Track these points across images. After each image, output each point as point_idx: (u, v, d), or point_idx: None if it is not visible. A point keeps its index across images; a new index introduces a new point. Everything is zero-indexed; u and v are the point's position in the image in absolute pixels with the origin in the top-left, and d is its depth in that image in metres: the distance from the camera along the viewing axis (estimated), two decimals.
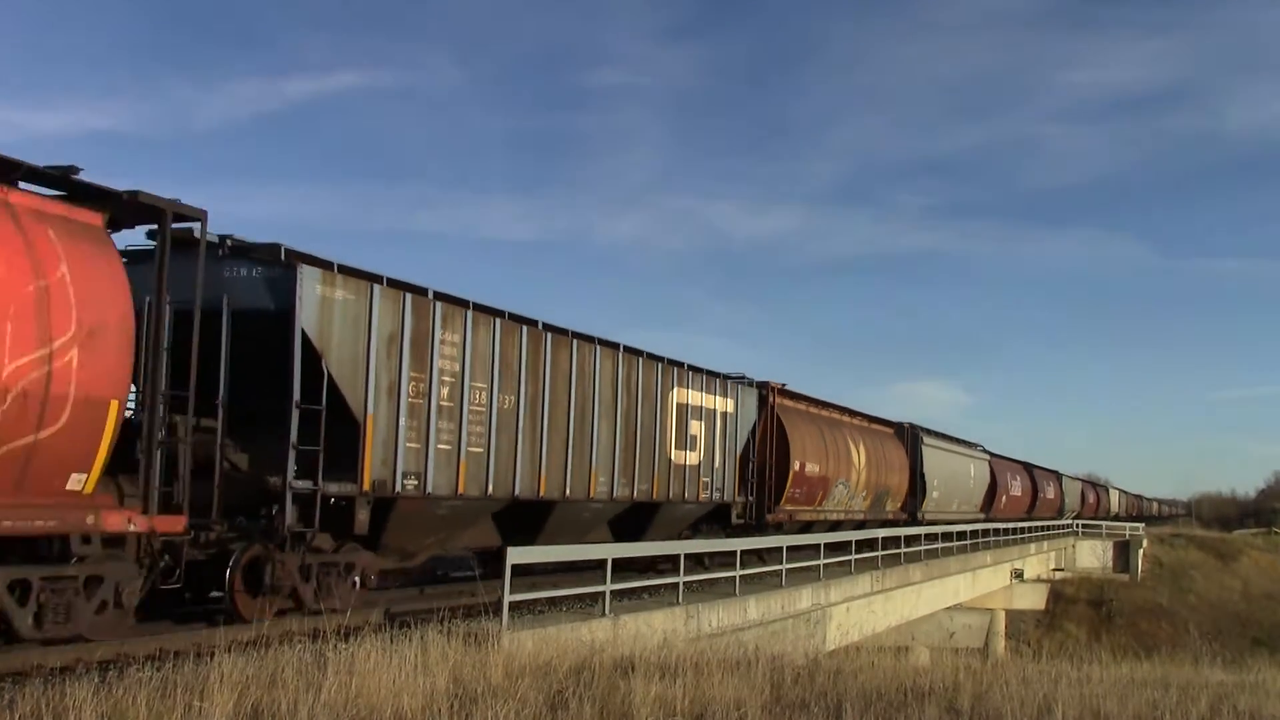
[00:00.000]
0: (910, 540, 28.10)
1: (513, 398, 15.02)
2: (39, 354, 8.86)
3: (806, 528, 25.23)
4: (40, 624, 9.12)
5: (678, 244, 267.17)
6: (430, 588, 16.19)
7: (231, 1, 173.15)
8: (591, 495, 16.92)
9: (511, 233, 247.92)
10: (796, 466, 24.23)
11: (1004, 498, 47.68)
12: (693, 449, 20.23)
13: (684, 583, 15.73)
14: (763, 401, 23.60)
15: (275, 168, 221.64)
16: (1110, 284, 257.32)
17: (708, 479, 20.90)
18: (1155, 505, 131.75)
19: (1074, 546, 56.74)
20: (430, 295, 13.65)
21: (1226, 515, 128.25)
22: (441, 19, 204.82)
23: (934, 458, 36.26)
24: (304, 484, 11.67)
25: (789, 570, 19.41)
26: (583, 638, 11.64)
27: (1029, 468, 57.59)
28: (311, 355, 11.74)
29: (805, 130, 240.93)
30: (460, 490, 13.93)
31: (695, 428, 20.38)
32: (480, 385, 14.37)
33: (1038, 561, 48.37)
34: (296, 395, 11.62)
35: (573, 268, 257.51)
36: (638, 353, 18.47)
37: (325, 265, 12.13)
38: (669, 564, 16.86)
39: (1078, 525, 60.55)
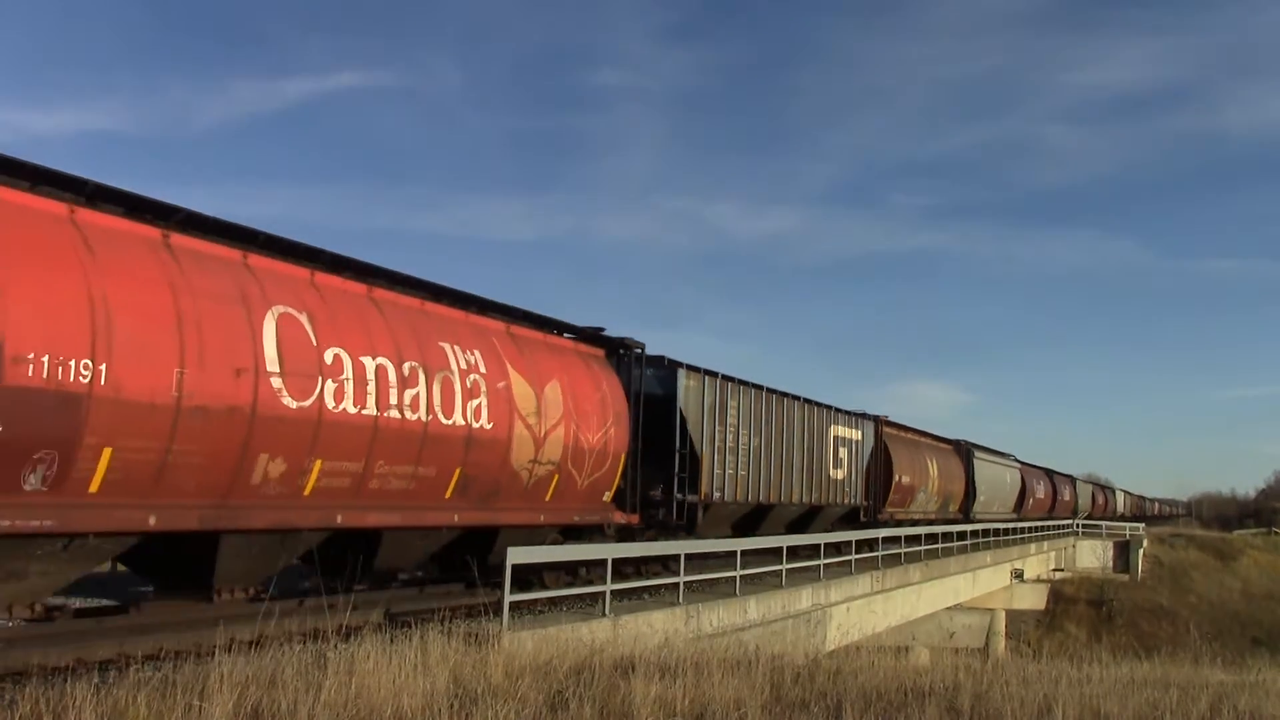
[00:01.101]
0: (910, 540, 28.17)
1: (758, 439, 22.46)
2: (602, 431, 16.54)
3: (898, 524, 31.72)
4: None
5: (678, 244, 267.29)
6: (430, 587, 16.18)
7: (231, 1, 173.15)
8: (791, 501, 24.61)
9: (512, 233, 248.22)
10: (897, 479, 32.39)
11: (1031, 500, 55.29)
12: (839, 468, 27.87)
13: (684, 583, 15.73)
14: (876, 430, 31.28)
15: (275, 168, 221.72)
16: (1110, 284, 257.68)
17: (848, 489, 28.60)
18: (1155, 505, 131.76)
19: (1074, 546, 56.73)
20: (719, 378, 20.77)
21: (1226, 515, 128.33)
22: (442, 19, 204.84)
23: (982, 468, 43.97)
24: (679, 496, 18.74)
25: (789, 570, 19.42)
26: (583, 638, 11.64)
27: (1049, 473, 65.27)
28: (681, 421, 18.99)
29: (805, 130, 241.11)
30: (737, 498, 21.52)
31: (841, 453, 28.06)
32: (745, 432, 21.78)
33: (1038, 561, 48.34)
34: (678, 444, 18.89)
35: (573, 268, 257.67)
36: (811, 402, 25.97)
37: (687, 367, 19.52)
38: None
39: (1078, 525, 60.57)
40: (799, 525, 25.64)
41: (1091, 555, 56.83)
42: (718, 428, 20.35)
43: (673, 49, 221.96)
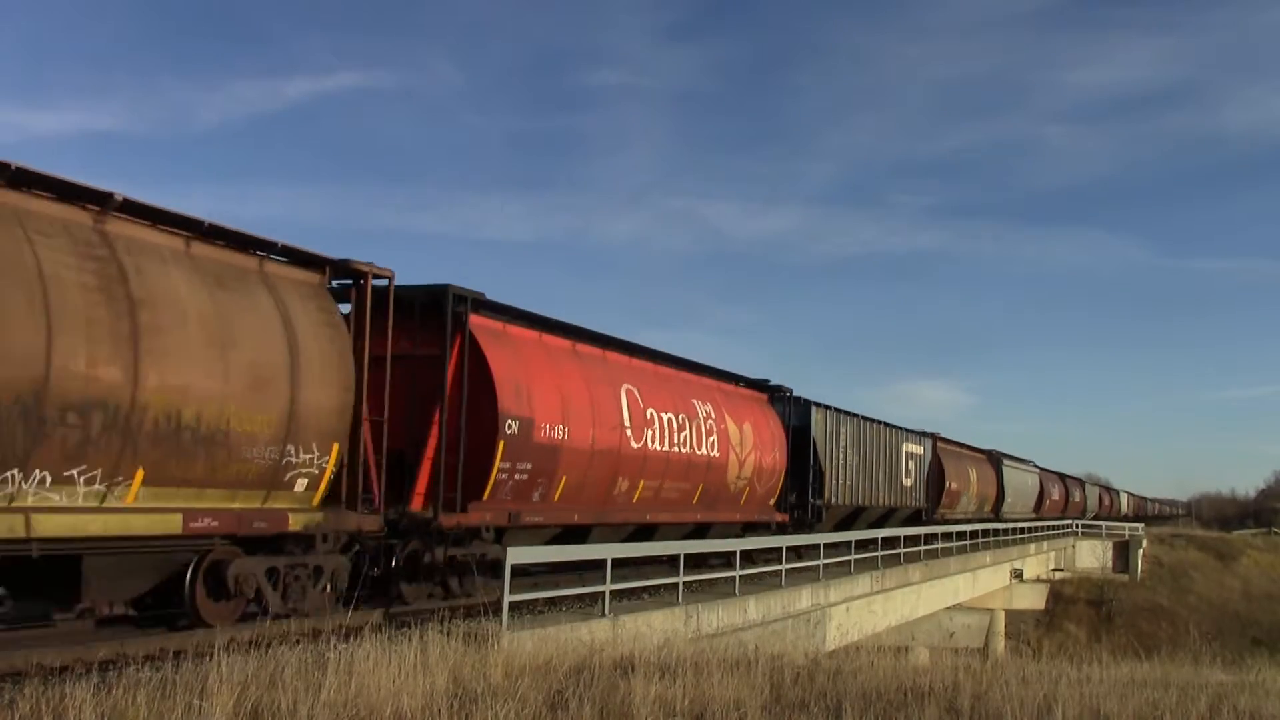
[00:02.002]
0: (910, 540, 28.19)
1: (857, 457, 28.96)
2: (772, 455, 22.68)
3: (948, 522, 37.26)
4: None
5: (677, 244, 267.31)
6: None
7: (231, 1, 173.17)
8: (878, 504, 31.20)
9: (511, 233, 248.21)
10: (948, 485, 39.27)
11: (1048, 501, 61.38)
12: (908, 476, 34.44)
13: (684, 583, 15.74)
14: (933, 445, 38.10)
15: (275, 168, 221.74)
16: (1110, 284, 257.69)
17: (914, 493, 35.09)
18: (1155, 505, 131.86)
19: (1074, 546, 56.73)
20: (834, 410, 27.26)
21: (1226, 515, 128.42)
22: (441, 19, 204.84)
23: (1009, 474, 50.82)
24: (812, 500, 25.52)
25: (789, 570, 19.43)
26: (582, 638, 11.64)
27: (1062, 477, 71.40)
28: (813, 444, 25.52)
29: (805, 130, 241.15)
30: (845, 502, 28.03)
31: (910, 464, 34.41)
32: (850, 451, 28.30)
33: (1037, 561, 48.34)
34: (811, 462, 25.50)
35: (572, 267, 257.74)
36: (890, 425, 32.43)
37: (816, 404, 26.00)
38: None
39: (1078, 525, 60.62)
40: (879, 522, 32.03)
41: (1091, 555, 56.83)
42: (833, 448, 27.15)
43: (672, 49, 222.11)
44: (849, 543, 23.42)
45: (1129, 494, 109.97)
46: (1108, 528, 61.79)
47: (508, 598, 11.52)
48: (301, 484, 11.50)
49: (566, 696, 8.15)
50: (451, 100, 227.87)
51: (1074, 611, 49.06)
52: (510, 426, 14.19)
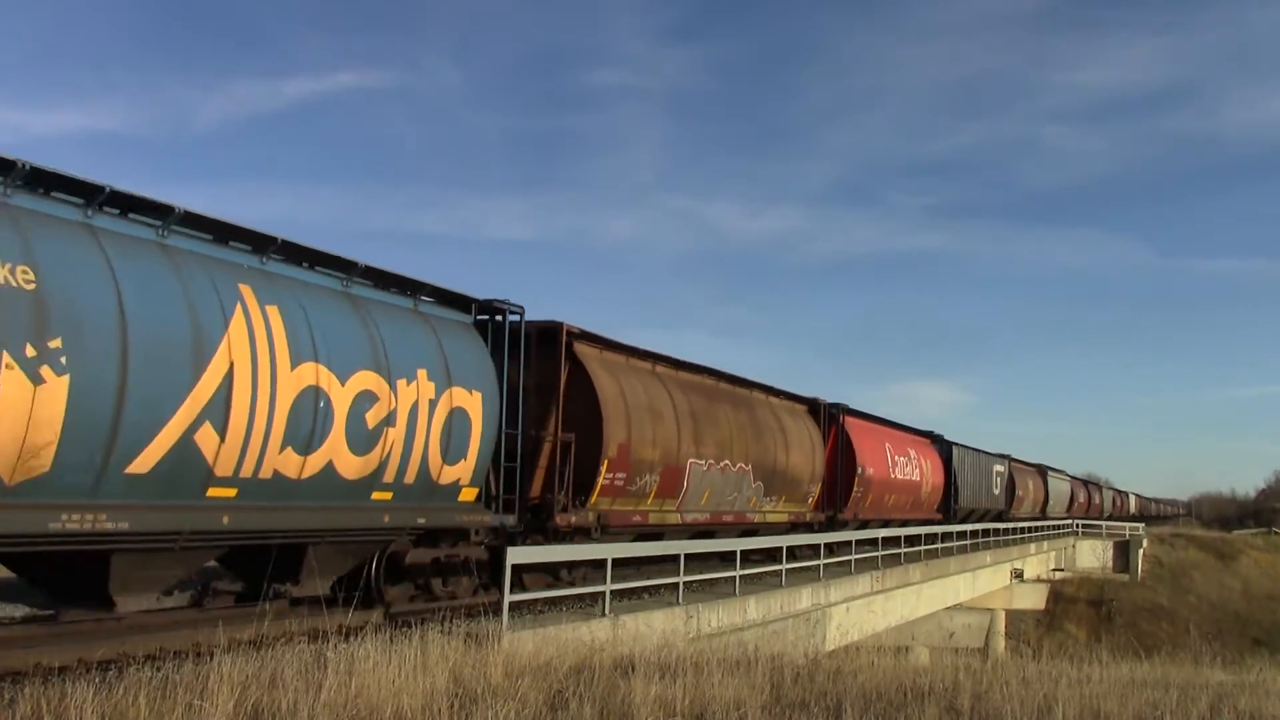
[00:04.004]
0: (910, 540, 28.18)
1: (974, 476, 42.90)
2: (939, 478, 37.75)
3: (1017, 521, 47.79)
4: None
5: (677, 244, 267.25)
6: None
7: (231, 1, 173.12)
8: (980, 508, 42.43)
9: (511, 232, 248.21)
10: (1018, 494, 50.30)
11: (1076, 503, 71.61)
12: (996, 487, 46.53)
13: (684, 583, 15.73)
14: (1009, 463, 50.37)
15: (275, 168, 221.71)
16: (1110, 284, 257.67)
17: (999, 499, 47.11)
18: (1155, 505, 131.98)
19: (1074, 546, 56.71)
20: (964, 447, 41.20)
21: (1226, 515, 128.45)
22: (440, 19, 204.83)
23: (1052, 482, 61.94)
24: (954, 505, 39.15)
25: (789, 570, 19.42)
26: (583, 638, 11.64)
27: (1085, 482, 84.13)
28: (952, 469, 39.17)
29: (804, 130, 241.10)
30: (966, 506, 40.35)
31: (996, 479, 46.69)
32: (970, 471, 42.19)
33: (1038, 561, 48.35)
34: (955, 481, 39.30)
35: (572, 267, 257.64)
36: (987, 452, 46.03)
37: (956, 444, 39.90)
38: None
39: (1078, 525, 60.63)
40: (981, 519, 42.51)
41: (1091, 555, 56.83)
42: (962, 472, 40.10)
43: (672, 48, 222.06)
44: (849, 543, 23.44)
45: (1136, 495, 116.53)
46: (1108, 528, 61.80)
47: (508, 597, 11.52)
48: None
49: (567, 696, 8.15)
50: (451, 100, 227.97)
51: (1074, 611, 49.07)
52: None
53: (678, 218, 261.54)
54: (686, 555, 16.24)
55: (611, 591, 13.48)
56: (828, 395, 27.66)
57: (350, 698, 7.44)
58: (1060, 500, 64.46)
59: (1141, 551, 56.90)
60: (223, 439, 10.00)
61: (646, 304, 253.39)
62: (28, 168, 8.62)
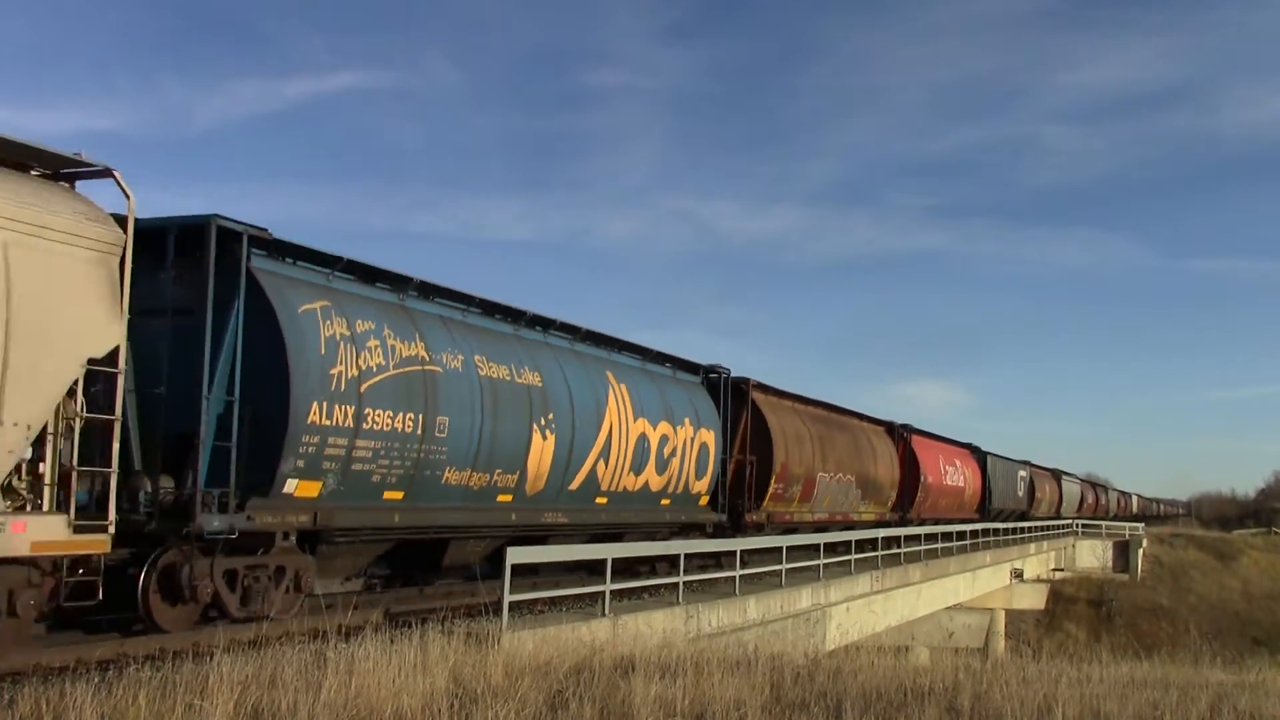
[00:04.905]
0: (910, 540, 28.18)
1: (1009, 485, 50.79)
2: (976, 485, 43.45)
3: (1041, 519, 54.35)
4: None
5: (676, 244, 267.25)
6: (430, 588, 16.17)
7: (231, 1, 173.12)
8: (1008, 508, 48.66)
9: (511, 232, 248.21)
10: (1036, 495, 55.96)
11: (1085, 503, 75.81)
12: (1020, 489, 53.17)
13: (684, 583, 15.73)
14: (1030, 469, 56.17)
15: (275, 168, 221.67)
16: (1110, 284, 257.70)
17: (1022, 500, 52.69)
18: (1156, 505, 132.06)
19: (1074, 546, 56.71)
20: (995, 455, 47.51)
21: (1226, 515, 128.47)
22: (440, 20, 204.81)
23: (1065, 485, 67.77)
24: (989, 507, 46.31)
25: (789, 570, 19.41)
26: (583, 638, 11.63)
27: (1093, 484, 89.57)
28: (987, 477, 45.77)
29: (804, 130, 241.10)
30: (998, 507, 47.02)
31: (1020, 483, 53.13)
32: (1002, 480, 49.02)
33: (1038, 561, 48.35)
34: (990, 487, 45.42)
35: (572, 267, 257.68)
36: (1012, 459, 51.50)
37: (993, 454, 46.79)
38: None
39: (1078, 525, 60.62)
40: (1007, 518, 47.07)
41: (1091, 555, 56.82)
42: (995, 478, 45.52)
43: (672, 49, 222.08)
44: (849, 543, 23.43)
45: (1139, 495, 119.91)
46: (1108, 528, 61.79)
47: (508, 598, 11.51)
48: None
49: (567, 696, 8.15)
50: (451, 100, 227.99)
51: (1074, 611, 49.04)
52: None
53: (677, 218, 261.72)
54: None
55: (611, 591, 13.48)
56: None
57: (350, 698, 7.44)
58: (1072, 501, 69.22)
59: (1141, 551, 56.89)
60: (606, 467, 16.81)
61: (646, 304, 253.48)
62: (528, 315, 15.77)
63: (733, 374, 22.19)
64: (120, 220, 9.59)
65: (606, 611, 13.23)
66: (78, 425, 9.00)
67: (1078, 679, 10.98)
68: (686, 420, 19.25)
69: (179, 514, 10.30)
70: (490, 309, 15.00)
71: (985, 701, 8.96)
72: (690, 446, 19.27)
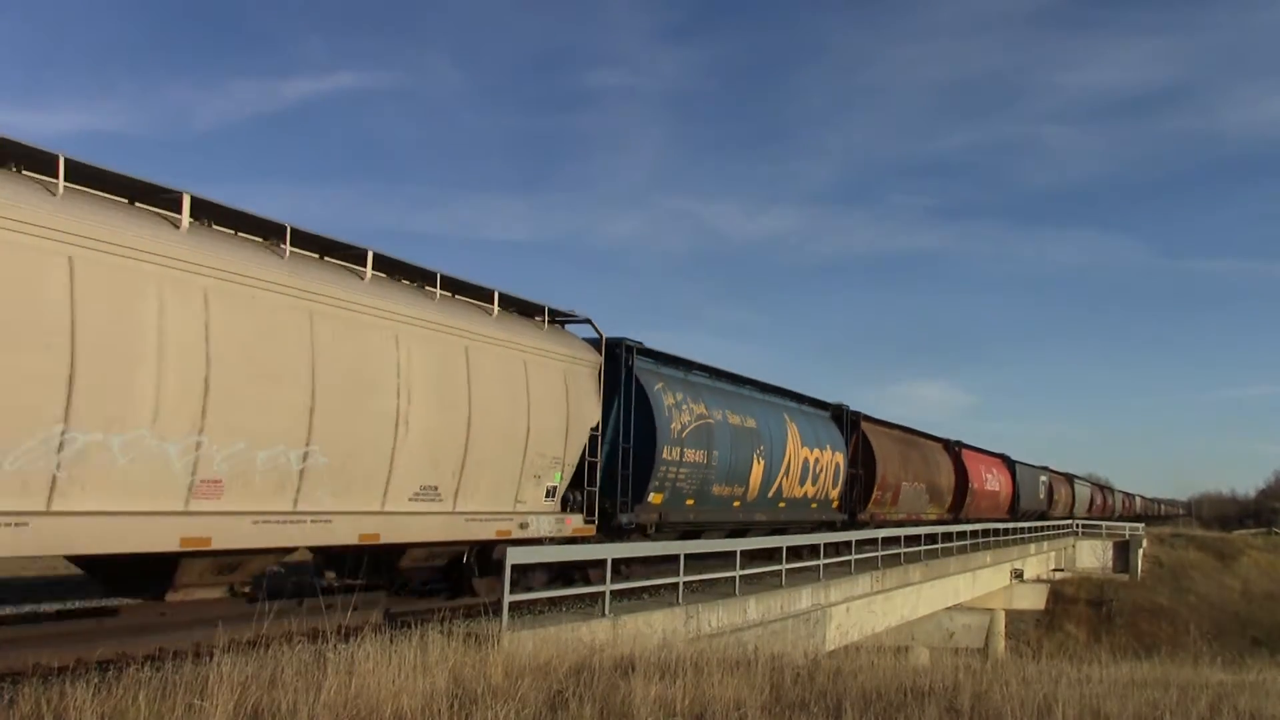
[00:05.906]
0: (910, 540, 28.20)
1: (1032, 488, 56.46)
2: (1008, 488, 48.38)
3: (1056, 517, 59.61)
4: None
5: (676, 244, 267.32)
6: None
7: (231, 2, 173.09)
8: (1032, 510, 53.90)
9: (511, 232, 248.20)
10: (1054, 498, 60.49)
11: (1094, 504, 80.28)
12: (1041, 492, 58.07)
13: (684, 583, 15.73)
14: (1050, 474, 61.72)
15: (275, 168, 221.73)
16: (1109, 284, 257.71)
17: (1043, 502, 57.34)
18: (1157, 506, 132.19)
19: (1074, 546, 56.72)
20: (1022, 463, 53.30)
21: (1226, 515, 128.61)
22: (441, 21, 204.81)
23: (1078, 488, 72.81)
24: (1020, 507, 52.92)
25: (789, 570, 19.42)
26: (583, 638, 11.63)
27: (1100, 486, 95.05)
28: (1016, 481, 51.34)
29: (804, 131, 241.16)
30: (1026, 508, 54.04)
31: (1041, 487, 58.05)
32: (1028, 484, 54.71)
33: (1038, 561, 48.36)
34: (1017, 488, 50.43)
35: (572, 267, 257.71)
36: (1034, 466, 58.11)
37: (1019, 462, 52.09)
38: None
39: (1077, 525, 60.65)
40: (1031, 518, 52.16)
41: (1091, 555, 56.83)
42: (1024, 481, 50.28)
43: (672, 49, 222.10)
44: (849, 543, 23.45)
45: (1141, 496, 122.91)
46: (1108, 528, 61.79)
47: (508, 598, 11.51)
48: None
49: (567, 697, 8.15)
50: (451, 100, 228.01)
51: (1074, 611, 49.06)
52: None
53: (677, 218, 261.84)
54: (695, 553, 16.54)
55: (611, 591, 13.48)
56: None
57: (350, 698, 7.44)
58: (1083, 502, 74.74)
59: (1141, 551, 56.90)
60: (787, 481, 23.14)
61: (646, 304, 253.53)
62: (743, 378, 23.24)
63: (849, 407, 29.38)
64: (597, 345, 17.07)
65: (606, 612, 13.23)
66: (587, 467, 16.39)
67: (1078, 679, 10.99)
68: (828, 446, 26.15)
69: (604, 514, 16.81)
70: (717, 375, 21.85)
71: (985, 702, 8.97)
72: (829, 465, 26.05)
